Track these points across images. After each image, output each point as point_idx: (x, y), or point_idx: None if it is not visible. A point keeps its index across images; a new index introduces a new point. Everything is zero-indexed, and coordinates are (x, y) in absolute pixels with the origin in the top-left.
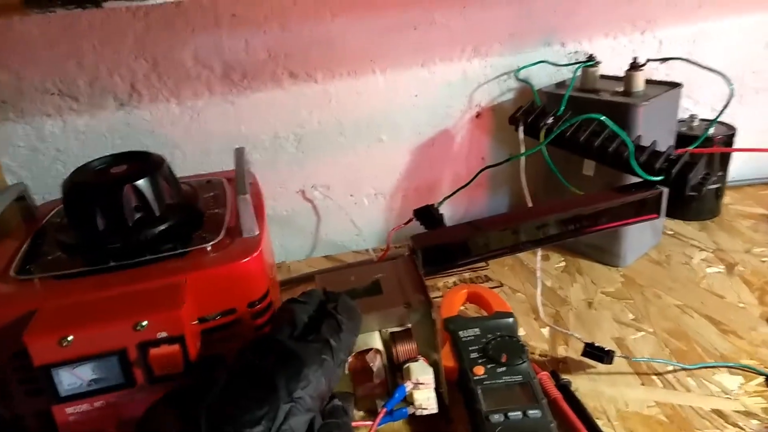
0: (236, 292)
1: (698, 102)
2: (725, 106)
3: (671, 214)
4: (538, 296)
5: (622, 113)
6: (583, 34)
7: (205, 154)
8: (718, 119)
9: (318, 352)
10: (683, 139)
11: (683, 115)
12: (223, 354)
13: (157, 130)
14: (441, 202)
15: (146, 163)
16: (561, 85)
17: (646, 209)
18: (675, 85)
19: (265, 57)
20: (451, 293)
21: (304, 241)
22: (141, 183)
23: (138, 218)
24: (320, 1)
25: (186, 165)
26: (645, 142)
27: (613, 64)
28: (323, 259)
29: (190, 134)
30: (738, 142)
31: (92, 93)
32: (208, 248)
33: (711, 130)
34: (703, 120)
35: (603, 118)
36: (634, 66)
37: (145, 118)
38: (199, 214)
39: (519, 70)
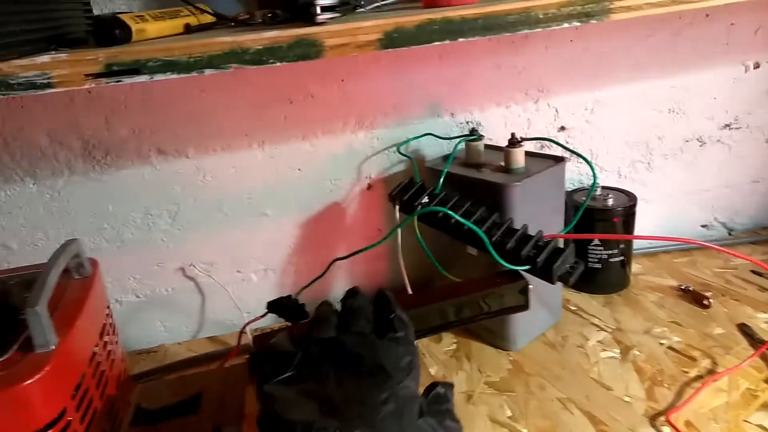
0: (14, 421)
1: (604, 169)
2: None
3: (578, 287)
4: None
5: (497, 193)
6: (473, 104)
7: (71, 236)
8: (618, 188)
9: (406, 351)
10: (583, 211)
11: (587, 182)
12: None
13: (14, 211)
14: (299, 293)
15: None
16: (447, 158)
17: (513, 300)
18: (559, 160)
19: (128, 134)
20: None
21: (189, 322)
22: None
23: None
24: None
25: (52, 248)
26: (526, 221)
27: (509, 133)
28: (207, 341)
29: (52, 215)
30: (650, 208)
31: None
32: None
33: (610, 202)
34: (605, 188)
35: (448, 210)
36: (513, 142)
37: None
38: (11, 320)
39: (402, 144)
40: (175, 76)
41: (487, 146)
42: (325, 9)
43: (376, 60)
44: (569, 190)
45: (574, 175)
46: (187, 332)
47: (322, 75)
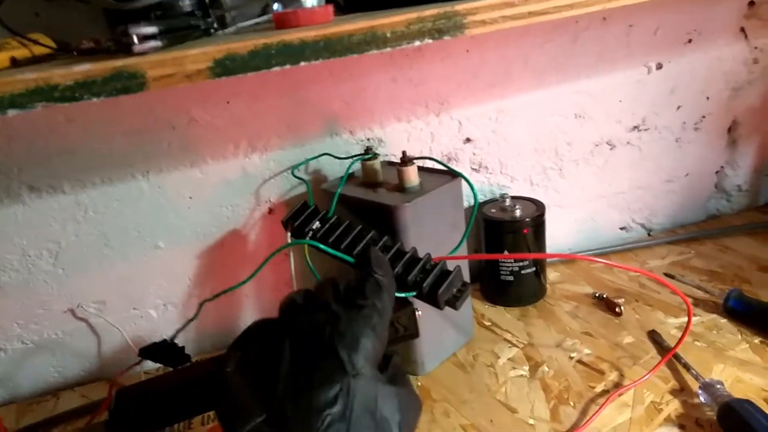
0: None
1: (515, 179)
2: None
3: (493, 300)
4: None
5: (388, 214)
6: (373, 120)
7: None
8: (528, 197)
9: (369, 317)
10: (491, 224)
11: (498, 192)
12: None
13: None
14: (174, 336)
15: None
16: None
17: (401, 329)
18: (454, 176)
19: None
20: None
21: (85, 365)
22: None
23: None
24: (49, 107)
25: None
26: (421, 240)
27: (412, 148)
28: (104, 384)
29: None
30: (566, 214)
31: None
32: None
33: (518, 213)
34: (514, 198)
35: (314, 242)
36: (405, 161)
37: None
38: None
39: (298, 166)
40: None
41: (389, 163)
42: (145, 38)
43: (264, 80)
44: (482, 201)
45: (485, 186)
46: (84, 376)
47: (204, 98)
